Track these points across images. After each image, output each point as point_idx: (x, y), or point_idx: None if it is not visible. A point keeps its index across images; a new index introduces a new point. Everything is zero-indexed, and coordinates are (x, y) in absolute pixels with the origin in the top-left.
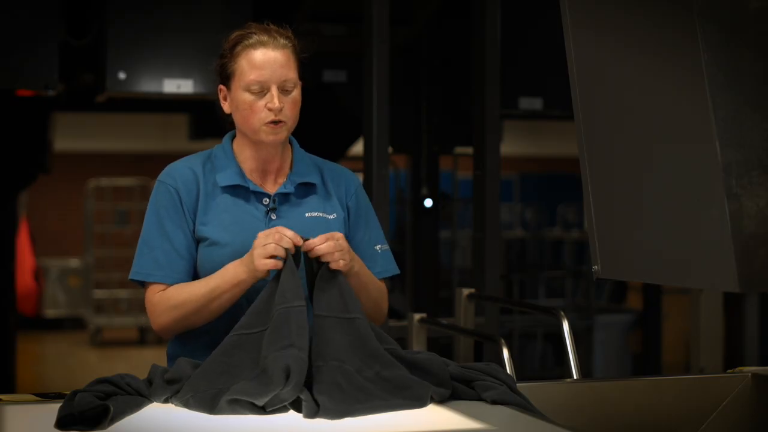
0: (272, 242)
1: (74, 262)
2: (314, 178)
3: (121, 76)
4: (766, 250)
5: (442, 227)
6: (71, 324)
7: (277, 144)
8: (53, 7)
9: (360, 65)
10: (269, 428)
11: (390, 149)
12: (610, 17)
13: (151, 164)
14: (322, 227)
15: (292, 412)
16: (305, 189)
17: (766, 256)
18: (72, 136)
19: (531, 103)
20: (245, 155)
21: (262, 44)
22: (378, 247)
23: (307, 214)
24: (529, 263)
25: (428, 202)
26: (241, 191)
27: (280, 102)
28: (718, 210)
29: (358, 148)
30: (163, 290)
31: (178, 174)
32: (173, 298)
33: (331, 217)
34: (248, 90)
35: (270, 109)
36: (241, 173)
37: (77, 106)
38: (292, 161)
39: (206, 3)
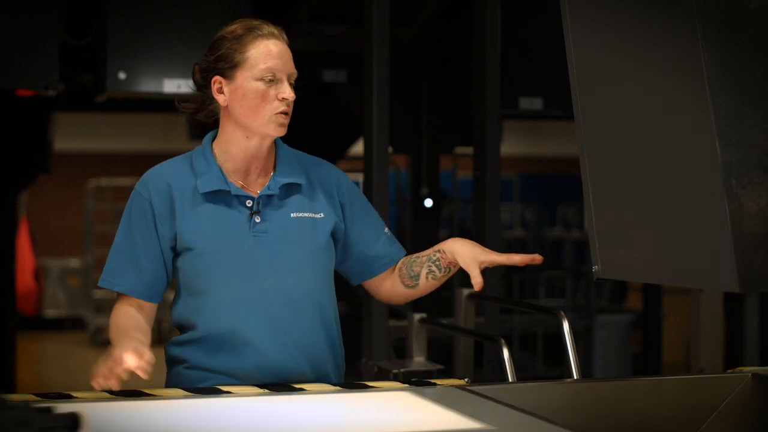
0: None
1: (74, 262)
2: (299, 178)
3: (121, 76)
4: (766, 250)
5: (442, 227)
6: (71, 324)
7: (271, 137)
8: (53, 7)
9: (360, 65)
10: (270, 428)
11: (390, 149)
12: (611, 17)
13: (151, 164)
14: (309, 227)
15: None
16: (290, 189)
17: (766, 256)
18: (72, 136)
19: (531, 103)
20: (230, 154)
21: (274, 36)
22: (386, 230)
23: (292, 215)
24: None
25: (428, 202)
26: (222, 196)
27: (292, 93)
28: (718, 210)
29: (358, 148)
30: (119, 306)
31: (151, 184)
32: (110, 328)
33: (318, 216)
34: (261, 79)
35: (283, 99)
36: (222, 176)
37: (77, 106)
38: (276, 160)
39: (206, 3)
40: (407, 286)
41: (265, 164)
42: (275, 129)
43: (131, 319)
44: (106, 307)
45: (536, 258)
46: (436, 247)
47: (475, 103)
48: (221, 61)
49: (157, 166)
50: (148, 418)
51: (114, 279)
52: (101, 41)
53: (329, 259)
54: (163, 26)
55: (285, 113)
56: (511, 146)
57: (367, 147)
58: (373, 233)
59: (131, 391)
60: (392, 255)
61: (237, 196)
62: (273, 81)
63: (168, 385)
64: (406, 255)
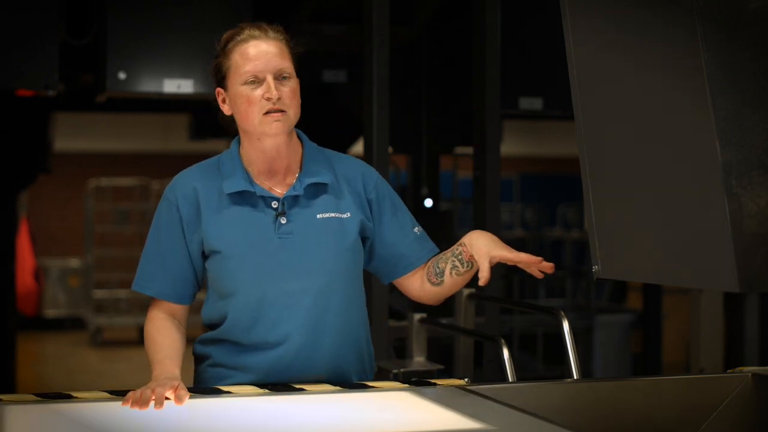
0: (146, 397)
1: (74, 262)
2: (326, 177)
3: (121, 76)
4: (766, 250)
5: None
6: (71, 324)
7: (279, 136)
8: (53, 6)
9: (360, 65)
10: (270, 428)
11: (390, 149)
12: (611, 17)
13: (151, 164)
14: (336, 227)
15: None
16: (316, 189)
17: (766, 256)
18: (72, 136)
19: (531, 103)
20: (251, 158)
21: (253, 38)
22: (416, 229)
23: (318, 216)
24: None
25: (428, 202)
26: (248, 197)
27: (277, 91)
28: (718, 210)
29: (358, 148)
30: (153, 313)
31: (179, 189)
32: (146, 339)
33: (345, 216)
34: (244, 83)
35: (267, 99)
36: (248, 178)
37: (77, 106)
38: (302, 159)
39: (206, 3)
40: (434, 283)
41: (290, 164)
42: (269, 128)
43: (167, 338)
44: (106, 307)
45: (545, 265)
46: (460, 241)
47: (475, 103)
48: (217, 74)
49: (185, 171)
50: (148, 418)
51: (144, 283)
52: (101, 41)
53: (356, 259)
54: (163, 26)
55: (276, 111)
56: (511, 146)
57: (367, 147)
58: (399, 232)
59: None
60: (419, 254)
61: (262, 198)
62: (256, 82)
63: (195, 382)
64: (437, 253)
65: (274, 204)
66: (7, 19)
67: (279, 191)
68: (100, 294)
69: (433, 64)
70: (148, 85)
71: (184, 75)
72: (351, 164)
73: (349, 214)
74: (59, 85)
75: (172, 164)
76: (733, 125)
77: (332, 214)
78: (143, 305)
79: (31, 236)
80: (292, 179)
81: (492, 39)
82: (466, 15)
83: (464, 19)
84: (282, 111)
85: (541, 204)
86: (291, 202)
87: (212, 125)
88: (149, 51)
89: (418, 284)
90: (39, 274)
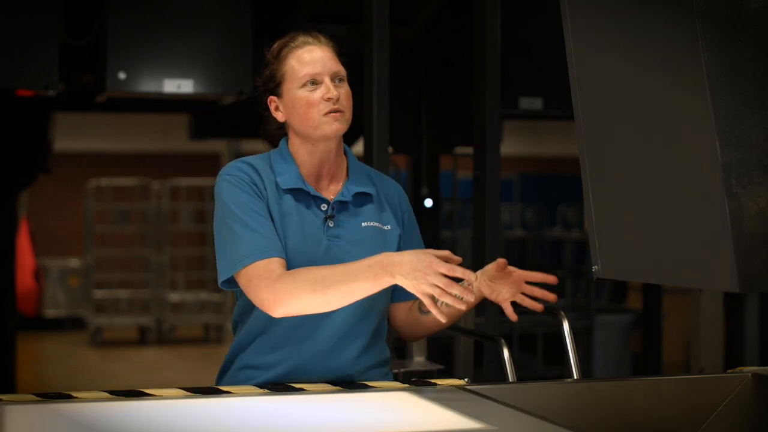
0: (431, 281)
1: (74, 262)
2: (370, 189)
3: (121, 76)
4: (766, 250)
5: (442, 227)
6: (71, 324)
7: (337, 137)
8: (53, 6)
9: (360, 65)
10: (270, 428)
11: (390, 149)
12: (611, 17)
13: (151, 164)
14: (378, 237)
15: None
16: (362, 198)
17: (766, 256)
18: (72, 136)
19: (531, 103)
20: (300, 159)
21: (308, 43)
22: None
23: (363, 224)
24: (529, 263)
25: (428, 202)
26: (302, 195)
27: (336, 91)
28: (718, 210)
29: (358, 148)
30: (280, 265)
31: (242, 168)
32: (308, 275)
33: (386, 228)
34: (303, 86)
35: (328, 99)
36: (300, 177)
37: (77, 106)
38: (347, 169)
39: (206, 3)
40: (423, 311)
41: (335, 171)
42: (329, 127)
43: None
44: (106, 307)
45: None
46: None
47: (475, 103)
48: (270, 82)
49: (238, 160)
50: (148, 418)
51: (257, 252)
52: (101, 41)
53: None
54: (163, 26)
55: (335, 111)
56: (511, 146)
57: (367, 147)
58: None
59: (131, 391)
60: None
61: (314, 198)
62: (315, 84)
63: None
64: None
65: (324, 206)
66: (7, 19)
67: (326, 195)
68: (100, 294)
69: (433, 64)
70: (148, 85)
71: (184, 75)
72: (388, 182)
73: (389, 227)
74: (59, 85)
75: (172, 164)
76: (733, 125)
77: (375, 224)
78: (143, 305)
79: (31, 236)
80: (336, 186)
81: (492, 39)
82: (466, 15)
83: (464, 19)
84: (341, 111)
85: (541, 204)
86: (339, 207)
87: (212, 125)
88: (149, 51)
89: (405, 311)
90: (39, 274)
